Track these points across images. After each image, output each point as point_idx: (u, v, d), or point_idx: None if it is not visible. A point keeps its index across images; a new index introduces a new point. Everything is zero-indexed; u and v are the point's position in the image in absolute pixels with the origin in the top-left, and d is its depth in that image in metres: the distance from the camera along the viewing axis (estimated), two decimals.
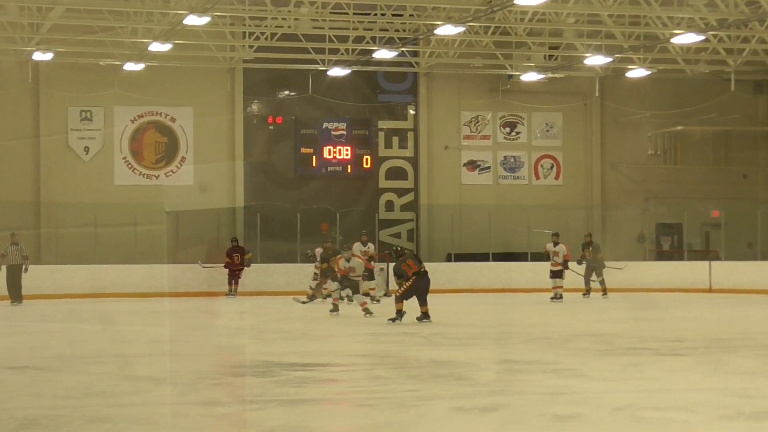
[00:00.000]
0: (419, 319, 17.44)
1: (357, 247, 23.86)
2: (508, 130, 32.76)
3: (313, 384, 10.61)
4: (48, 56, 27.47)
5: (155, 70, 29.39)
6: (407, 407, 8.86)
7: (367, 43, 28.22)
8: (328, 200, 30.85)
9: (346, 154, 31.54)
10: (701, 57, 30.38)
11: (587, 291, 25.25)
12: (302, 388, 10.17)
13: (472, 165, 32.53)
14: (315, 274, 23.28)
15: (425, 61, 30.93)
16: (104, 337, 16.81)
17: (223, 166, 30.41)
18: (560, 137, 33.11)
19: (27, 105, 29.30)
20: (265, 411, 8.75)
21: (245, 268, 26.29)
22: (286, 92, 31.43)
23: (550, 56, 30.18)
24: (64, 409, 8.80)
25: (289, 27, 27.17)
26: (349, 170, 31.66)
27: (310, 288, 23.06)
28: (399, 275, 17.62)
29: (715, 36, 27.98)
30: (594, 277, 25.30)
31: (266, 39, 28.02)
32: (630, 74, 31.01)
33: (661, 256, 32.66)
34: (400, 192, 32.28)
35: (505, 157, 32.75)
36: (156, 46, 26.27)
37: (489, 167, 32.61)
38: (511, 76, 31.48)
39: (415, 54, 30.80)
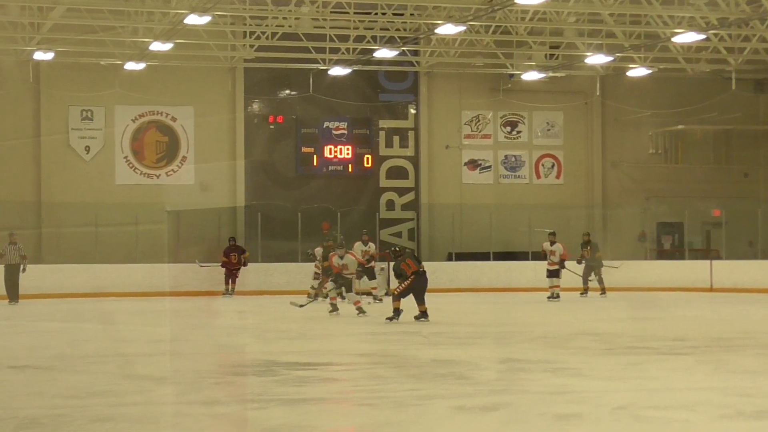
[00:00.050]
0: (417, 318, 17.47)
1: (358, 246, 23.88)
2: (508, 129, 32.76)
3: (314, 383, 10.61)
4: (49, 56, 27.47)
5: (156, 69, 29.40)
6: (408, 406, 8.86)
7: (368, 42, 28.21)
8: (329, 199, 30.85)
9: (347, 154, 31.54)
10: (702, 56, 30.39)
11: (585, 290, 25.23)
12: (303, 388, 10.17)
13: (473, 164, 32.53)
14: (315, 273, 23.30)
15: (426, 60, 30.92)
16: (105, 336, 16.82)
17: (224, 165, 30.41)
18: (561, 136, 33.10)
19: (28, 105, 29.31)
20: (265, 410, 8.75)
21: (242, 267, 26.30)
22: (287, 91, 31.43)
23: (551, 55, 30.17)
24: (65, 409, 8.81)
25: (290, 26, 27.18)
26: (349, 169, 31.66)
27: (312, 288, 23.06)
28: (398, 274, 17.70)
29: (715, 35, 27.97)
30: (592, 276, 25.29)
31: (267, 38, 28.02)
32: (631, 73, 31.00)
33: (662, 255, 32.65)
34: (401, 191, 32.28)
35: (505, 156, 32.74)
36: (157, 46, 26.28)
37: (490, 166, 32.61)
38: (512, 75, 31.48)
39: (415, 53, 30.80)
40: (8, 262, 23.60)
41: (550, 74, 31.14)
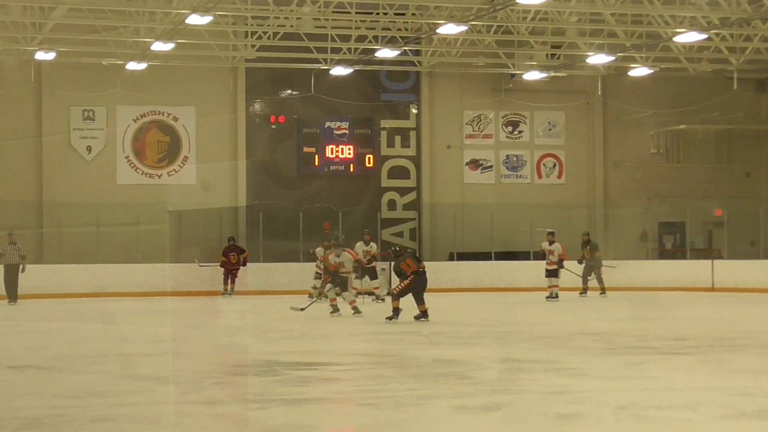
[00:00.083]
0: (417, 318, 17.47)
1: (359, 246, 23.88)
2: (510, 129, 32.74)
3: (315, 383, 10.61)
4: (50, 56, 27.48)
5: (158, 69, 29.40)
6: (408, 406, 8.86)
7: (370, 42, 28.20)
8: (331, 199, 30.85)
9: (349, 153, 31.53)
10: (704, 55, 30.37)
11: (584, 290, 25.21)
12: (304, 387, 10.17)
13: (475, 164, 32.52)
14: (317, 273, 23.30)
15: (427, 60, 30.92)
16: (106, 336, 16.82)
17: (225, 165, 30.42)
18: (563, 136, 33.09)
19: (29, 104, 29.31)
20: (266, 410, 8.75)
21: (241, 267, 26.30)
22: (289, 91, 31.43)
23: (553, 55, 30.16)
24: (66, 409, 8.80)
25: (292, 26, 27.17)
26: (351, 169, 31.66)
27: (313, 288, 23.06)
28: (399, 274, 17.73)
29: (717, 34, 27.96)
30: (591, 276, 25.26)
31: (268, 38, 28.02)
32: (632, 73, 30.99)
33: (663, 254, 32.63)
34: (403, 191, 32.27)
35: (507, 156, 32.73)
36: (158, 46, 26.28)
37: (491, 166, 32.61)
38: (513, 75, 31.47)
39: (417, 53, 30.80)
40: (7, 262, 23.60)
41: (552, 74, 31.13)
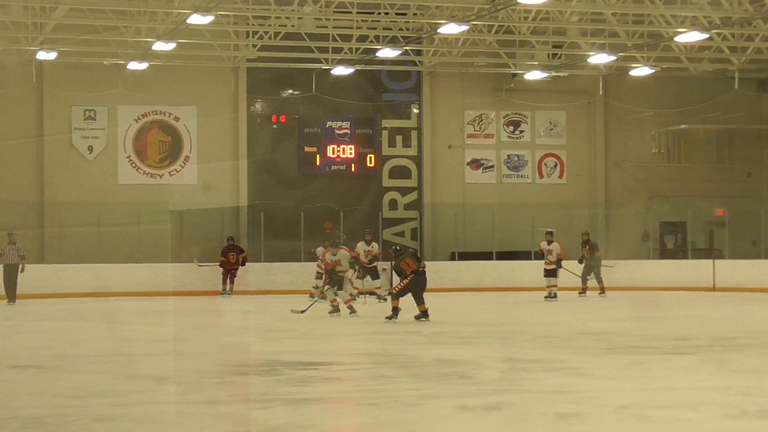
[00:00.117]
0: (417, 318, 17.47)
1: (361, 246, 23.90)
2: (511, 128, 32.74)
3: (317, 383, 10.61)
4: (51, 56, 27.49)
5: (159, 69, 29.40)
6: (410, 406, 8.86)
7: (371, 42, 28.20)
8: (332, 199, 30.86)
9: (350, 153, 31.53)
10: (705, 55, 30.36)
11: (583, 290, 25.20)
12: (305, 387, 10.17)
13: (476, 164, 32.52)
14: (318, 273, 23.31)
15: (429, 60, 30.92)
16: (108, 336, 16.83)
17: (226, 165, 30.42)
18: (564, 136, 33.08)
19: (31, 104, 29.31)
20: (268, 410, 8.75)
21: (240, 267, 26.29)
22: (290, 91, 31.42)
23: (554, 55, 30.14)
24: (68, 408, 8.81)
25: (293, 26, 27.17)
26: (352, 169, 31.65)
27: (314, 287, 23.07)
28: (399, 273, 17.74)
29: (718, 34, 27.95)
30: (591, 275, 25.24)
31: (270, 38, 28.02)
32: (634, 73, 30.98)
33: (664, 254, 32.62)
34: (404, 191, 32.27)
35: (508, 155, 32.73)
36: (159, 46, 26.29)
37: (492, 166, 32.60)
38: (514, 75, 31.47)
39: (418, 53, 30.80)
40: (7, 262, 23.60)
41: (553, 74, 31.12)
